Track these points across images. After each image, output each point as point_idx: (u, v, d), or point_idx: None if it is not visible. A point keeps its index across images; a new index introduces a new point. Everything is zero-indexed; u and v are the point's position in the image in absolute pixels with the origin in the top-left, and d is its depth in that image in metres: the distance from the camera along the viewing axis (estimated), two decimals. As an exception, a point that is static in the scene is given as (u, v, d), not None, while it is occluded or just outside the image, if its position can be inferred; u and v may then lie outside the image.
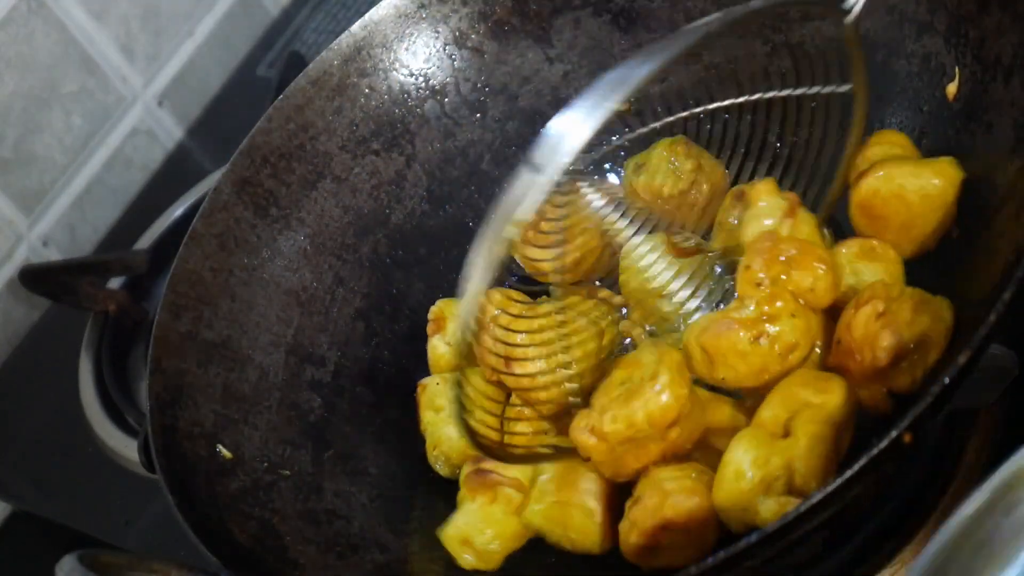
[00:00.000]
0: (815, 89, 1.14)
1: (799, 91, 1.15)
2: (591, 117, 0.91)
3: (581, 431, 1.06)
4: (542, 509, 1.11)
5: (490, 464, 1.15)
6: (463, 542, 1.14)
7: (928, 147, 1.18)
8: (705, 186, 1.24)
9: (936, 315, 1.04)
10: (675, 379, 1.05)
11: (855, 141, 1.14)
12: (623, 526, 1.07)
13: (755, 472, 1.00)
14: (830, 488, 0.93)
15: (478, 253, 0.93)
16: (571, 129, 0.91)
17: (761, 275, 1.07)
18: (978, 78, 1.13)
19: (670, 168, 1.24)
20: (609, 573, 1.10)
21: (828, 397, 1.03)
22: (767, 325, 1.05)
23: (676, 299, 1.17)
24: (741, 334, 1.05)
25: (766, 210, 1.13)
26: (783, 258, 1.07)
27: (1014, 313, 0.97)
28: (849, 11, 1.07)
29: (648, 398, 1.04)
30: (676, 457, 1.07)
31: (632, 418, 1.05)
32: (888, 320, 1.04)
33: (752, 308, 1.06)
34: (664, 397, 1.04)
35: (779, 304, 1.06)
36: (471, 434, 1.06)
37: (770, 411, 1.04)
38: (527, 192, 0.91)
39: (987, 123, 1.11)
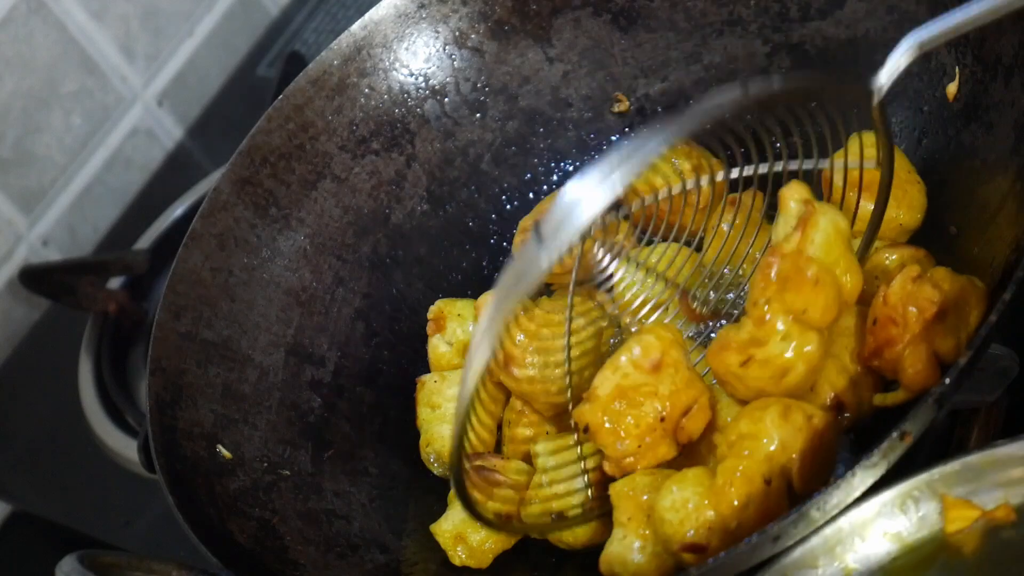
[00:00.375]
0: (841, 163, 1.10)
1: (820, 164, 1.11)
2: (599, 191, 0.90)
3: (579, 405, 1.07)
4: (540, 503, 1.12)
5: (490, 462, 1.15)
6: (457, 538, 1.14)
7: (928, 147, 1.18)
8: (704, 187, 1.23)
9: (969, 281, 1.04)
10: (660, 328, 1.07)
11: (876, 219, 1.12)
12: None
13: (672, 516, 1.00)
14: (829, 489, 0.94)
15: (481, 325, 0.93)
16: (580, 201, 0.90)
17: (758, 295, 1.05)
18: (978, 78, 1.13)
19: (670, 169, 1.24)
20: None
21: (762, 425, 1.00)
22: (755, 349, 1.03)
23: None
24: (732, 357, 1.04)
25: (786, 217, 1.11)
26: (775, 278, 1.03)
27: (1014, 313, 0.97)
28: (874, 93, 1.03)
29: (632, 342, 1.06)
30: (677, 444, 1.07)
31: (616, 362, 1.06)
32: (926, 278, 1.04)
33: (745, 329, 1.04)
34: (646, 336, 1.06)
35: (769, 325, 1.03)
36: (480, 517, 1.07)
37: (720, 446, 1.03)
38: (530, 269, 0.91)
39: (987, 123, 1.11)
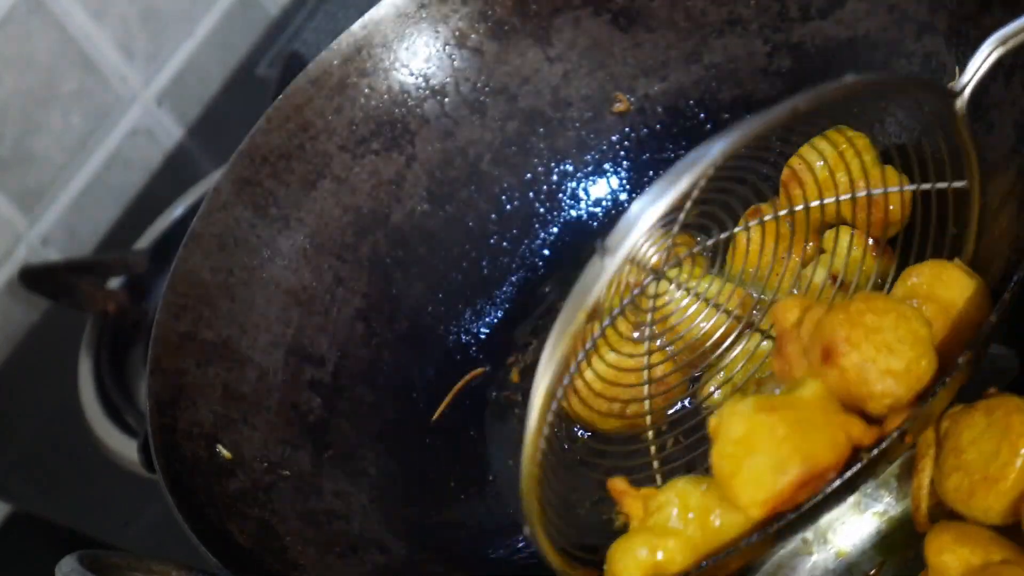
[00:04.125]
0: (924, 186, 1.07)
1: (907, 187, 1.09)
2: (662, 198, 0.88)
3: None
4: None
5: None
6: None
7: (929, 147, 1.18)
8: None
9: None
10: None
11: (970, 248, 1.07)
12: None
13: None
14: (822, 494, 0.94)
15: (550, 344, 0.89)
16: (642, 211, 0.88)
17: None
18: (979, 77, 1.13)
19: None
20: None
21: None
22: None
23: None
24: None
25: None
26: None
27: (1014, 313, 0.97)
28: (958, 94, 0.99)
29: None
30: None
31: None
32: None
33: None
34: None
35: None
36: None
37: None
38: (597, 277, 0.88)
39: (988, 123, 1.11)
